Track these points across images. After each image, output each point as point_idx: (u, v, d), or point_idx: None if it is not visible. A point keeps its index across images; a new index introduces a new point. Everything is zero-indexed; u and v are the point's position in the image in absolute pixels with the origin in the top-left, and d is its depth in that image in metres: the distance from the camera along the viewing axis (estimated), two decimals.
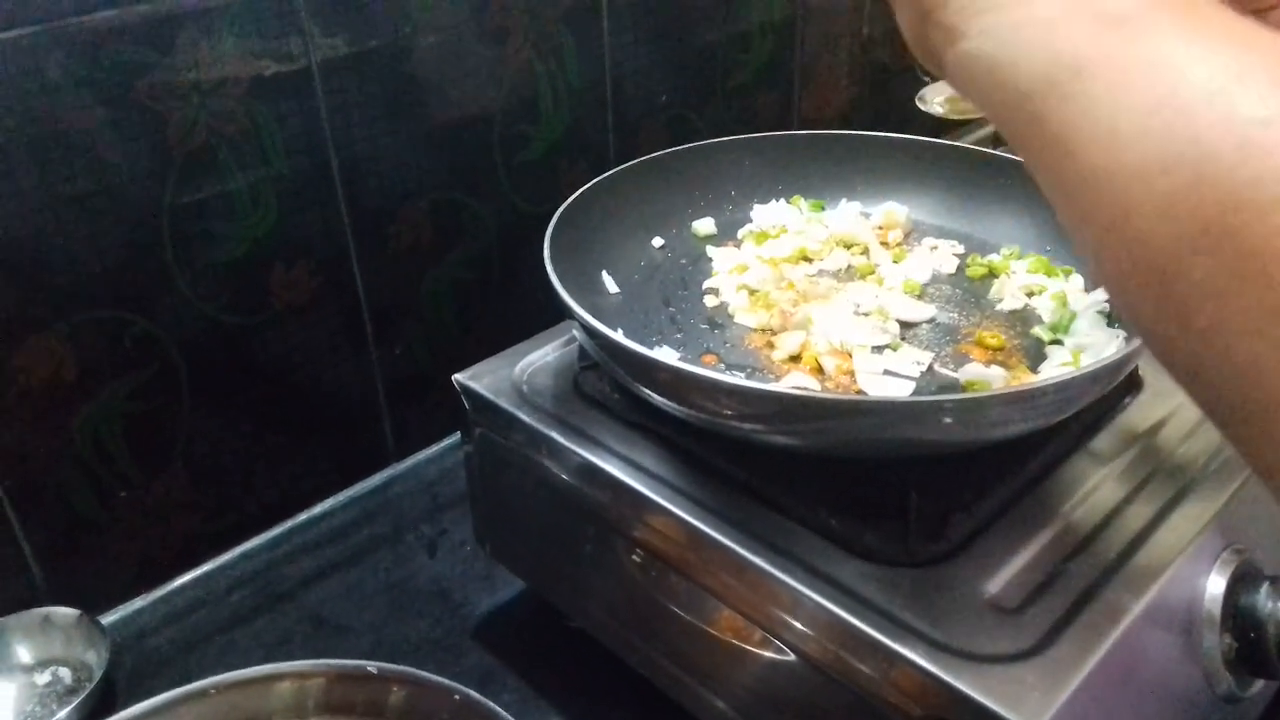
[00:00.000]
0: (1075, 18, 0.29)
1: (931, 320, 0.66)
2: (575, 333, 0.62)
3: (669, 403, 0.56)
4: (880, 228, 0.75)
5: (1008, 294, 0.66)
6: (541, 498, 0.65)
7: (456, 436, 0.96)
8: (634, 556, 0.60)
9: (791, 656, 0.53)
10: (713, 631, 0.57)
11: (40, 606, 0.72)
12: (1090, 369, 0.51)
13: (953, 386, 0.60)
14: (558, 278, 0.59)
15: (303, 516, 0.87)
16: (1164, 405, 0.63)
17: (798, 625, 0.52)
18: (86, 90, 0.65)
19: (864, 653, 0.49)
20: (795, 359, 0.61)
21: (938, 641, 0.48)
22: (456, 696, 0.62)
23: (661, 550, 0.58)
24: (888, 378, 0.59)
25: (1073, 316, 0.63)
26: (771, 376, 0.61)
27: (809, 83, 1.14)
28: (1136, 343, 0.53)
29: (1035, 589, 0.51)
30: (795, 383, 0.59)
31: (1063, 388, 0.51)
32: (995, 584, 0.51)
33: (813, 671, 0.52)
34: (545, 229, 0.64)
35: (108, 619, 0.77)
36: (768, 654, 0.54)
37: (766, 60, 1.08)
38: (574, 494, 0.62)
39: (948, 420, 0.50)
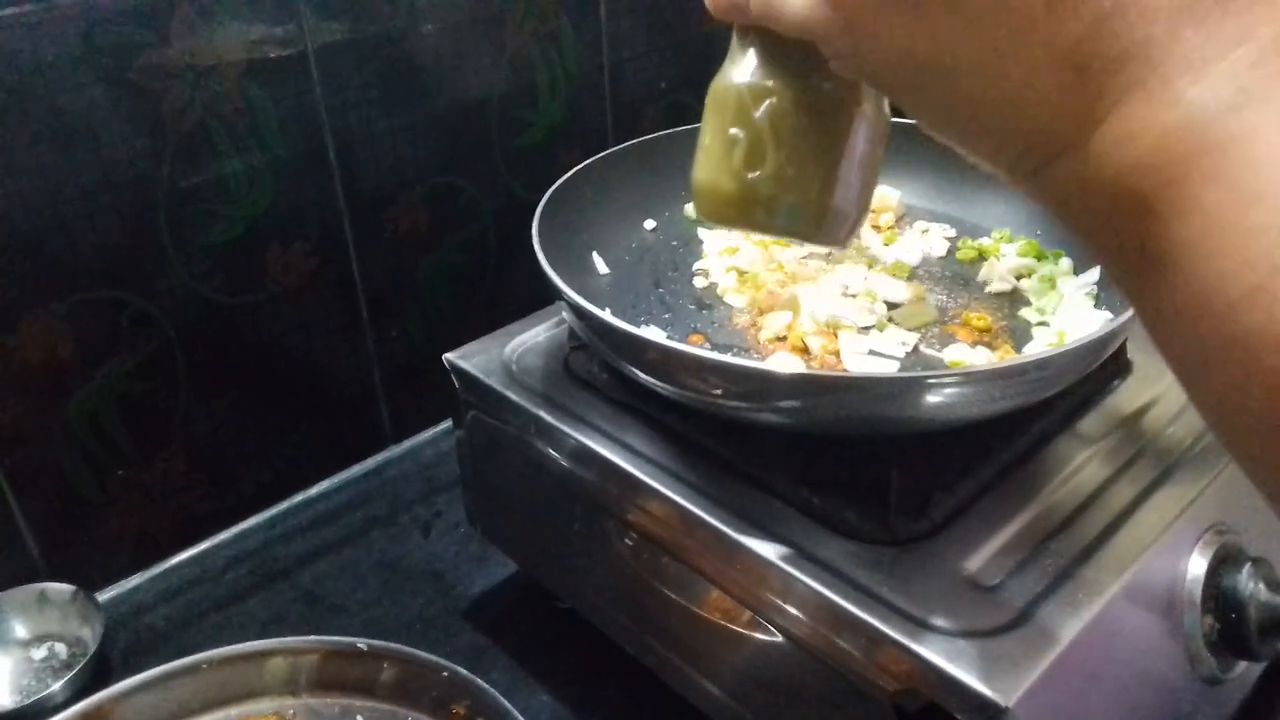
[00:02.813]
0: None
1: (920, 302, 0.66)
2: (564, 313, 0.62)
3: (656, 381, 0.57)
4: (872, 211, 0.75)
5: (996, 277, 0.67)
6: (531, 477, 0.66)
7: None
8: (621, 535, 0.60)
9: (775, 633, 0.53)
10: (699, 610, 0.57)
11: (37, 582, 0.73)
12: (1071, 346, 0.51)
13: (937, 366, 0.60)
14: (545, 257, 0.60)
15: (299, 497, 0.88)
16: (1151, 388, 0.63)
17: (780, 603, 0.52)
18: (83, 70, 0.65)
19: (843, 628, 0.49)
20: (781, 339, 0.62)
21: (915, 617, 0.48)
22: (445, 674, 0.63)
23: (648, 529, 0.58)
24: (872, 357, 0.59)
25: (1060, 299, 0.63)
26: (757, 356, 0.61)
27: None
28: (1119, 322, 0.53)
29: (1015, 567, 0.51)
30: (780, 362, 0.59)
31: (1043, 365, 0.51)
32: (975, 562, 0.51)
33: (795, 648, 0.52)
34: None
35: (104, 596, 0.78)
36: (753, 632, 0.55)
37: None
38: (562, 473, 0.62)
39: (927, 397, 0.50)
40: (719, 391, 0.54)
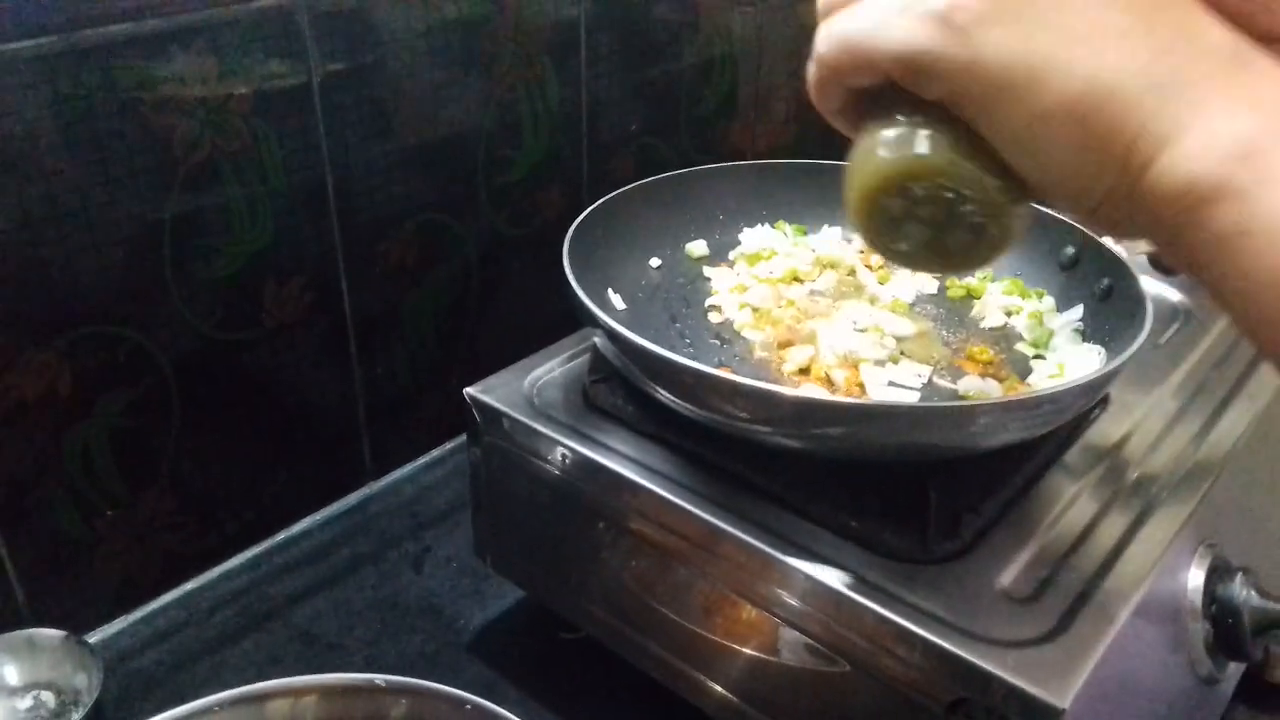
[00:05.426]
0: None
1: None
2: (596, 340, 0.64)
3: (691, 407, 0.59)
4: (863, 251, 0.79)
5: (989, 312, 0.71)
6: (555, 509, 0.67)
7: (433, 455, 0.97)
8: (658, 563, 0.62)
9: (826, 653, 0.55)
10: (735, 632, 0.59)
11: (22, 628, 0.70)
12: (1085, 380, 0.56)
13: (952, 397, 0.64)
14: (580, 287, 0.62)
15: (281, 536, 0.87)
16: (1128, 420, 0.68)
17: (831, 622, 0.54)
18: (96, 102, 0.64)
19: (897, 644, 0.52)
20: (804, 371, 0.65)
21: (963, 629, 0.51)
22: (468, 706, 0.62)
23: (684, 553, 0.60)
24: (893, 389, 0.63)
25: (1050, 334, 0.68)
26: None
27: (765, 113, 1.19)
28: (1118, 360, 0.57)
29: (1043, 581, 0.55)
30: (812, 392, 0.62)
31: (1056, 399, 0.56)
32: (1006, 577, 0.55)
33: (849, 667, 0.55)
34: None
35: (89, 640, 0.75)
36: (793, 653, 0.57)
37: (727, 92, 1.12)
38: (592, 504, 0.64)
39: (958, 426, 0.54)
40: (754, 417, 0.57)
